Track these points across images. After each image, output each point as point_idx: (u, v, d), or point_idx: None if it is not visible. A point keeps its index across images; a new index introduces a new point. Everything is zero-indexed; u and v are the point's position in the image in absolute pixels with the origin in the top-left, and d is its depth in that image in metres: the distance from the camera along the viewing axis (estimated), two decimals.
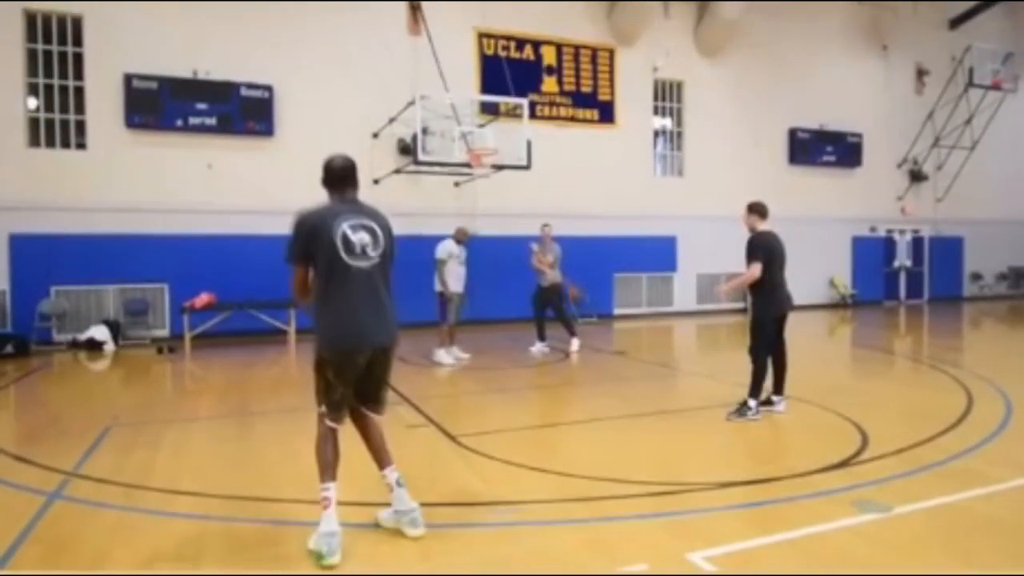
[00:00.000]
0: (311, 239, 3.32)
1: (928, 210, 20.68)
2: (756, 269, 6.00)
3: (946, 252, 21.18)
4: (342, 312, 3.34)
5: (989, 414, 6.06)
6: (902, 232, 20.54)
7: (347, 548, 3.33)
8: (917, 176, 20.30)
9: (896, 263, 20.53)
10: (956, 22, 20.66)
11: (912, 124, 20.25)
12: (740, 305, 17.92)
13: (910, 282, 20.81)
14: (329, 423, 3.43)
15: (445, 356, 9.66)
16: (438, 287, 9.61)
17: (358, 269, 3.34)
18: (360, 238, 3.34)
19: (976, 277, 21.62)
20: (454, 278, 9.63)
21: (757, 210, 6.28)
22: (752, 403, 6.07)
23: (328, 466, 3.39)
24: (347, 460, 3.57)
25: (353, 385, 3.45)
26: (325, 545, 3.19)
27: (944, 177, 20.67)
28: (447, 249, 9.61)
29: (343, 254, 3.30)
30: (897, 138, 20.08)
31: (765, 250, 6.06)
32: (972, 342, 12.87)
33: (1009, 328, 14.93)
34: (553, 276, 10.42)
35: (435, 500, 4.03)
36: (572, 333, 10.62)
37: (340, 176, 3.48)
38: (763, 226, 6.23)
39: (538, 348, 10.58)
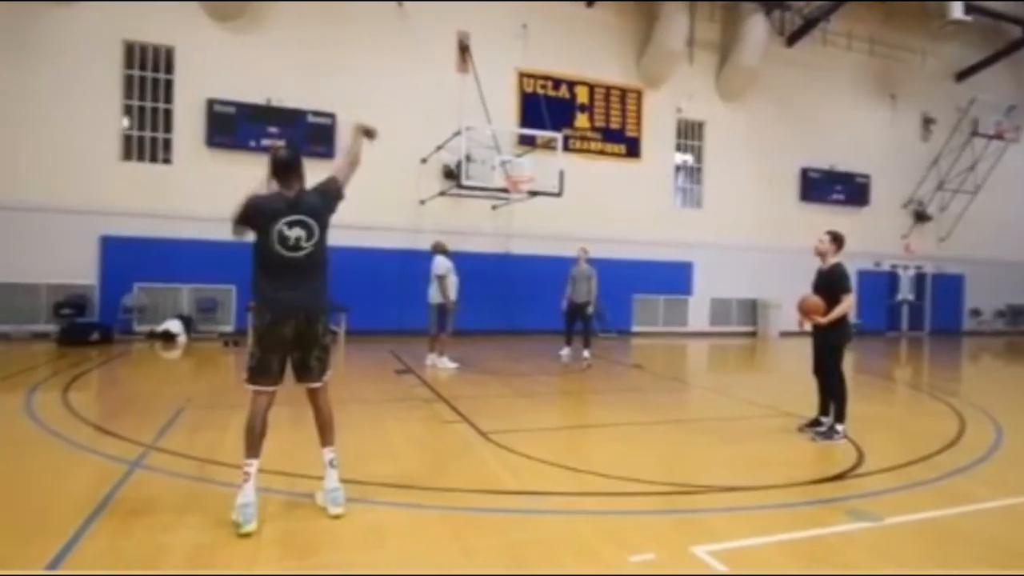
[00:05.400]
0: (257, 218, 3.50)
1: (931, 248, 20.32)
2: (851, 299, 5.73)
3: (947, 288, 20.74)
4: (270, 291, 3.51)
5: (980, 439, 5.96)
6: (905, 268, 20.18)
7: (382, 526, 3.47)
8: (921, 216, 19.98)
9: (899, 296, 20.15)
10: (962, 75, 20.39)
11: (918, 168, 19.99)
12: (750, 328, 17.78)
13: (911, 315, 20.40)
14: (248, 385, 3.58)
15: (448, 362, 9.62)
16: (438, 299, 9.51)
17: (292, 258, 3.50)
18: (294, 233, 3.49)
19: (975, 313, 21.11)
20: (454, 289, 9.68)
21: (839, 242, 5.96)
22: (840, 428, 5.73)
23: (253, 444, 3.49)
24: (383, 448, 3.66)
25: (282, 359, 3.60)
26: (241, 516, 3.30)
27: (947, 218, 20.32)
28: (446, 265, 9.60)
29: (279, 247, 3.48)
30: (903, 180, 19.82)
31: (850, 281, 5.82)
32: (968, 373, 12.56)
33: (1004, 362, 14.53)
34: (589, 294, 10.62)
35: (467, 487, 4.14)
36: (586, 345, 10.77)
37: (281, 169, 3.56)
38: (836, 258, 5.96)
39: (566, 353, 10.83)
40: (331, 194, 3.70)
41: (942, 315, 20.67)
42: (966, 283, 20.97)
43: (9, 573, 2.89)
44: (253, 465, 3.45)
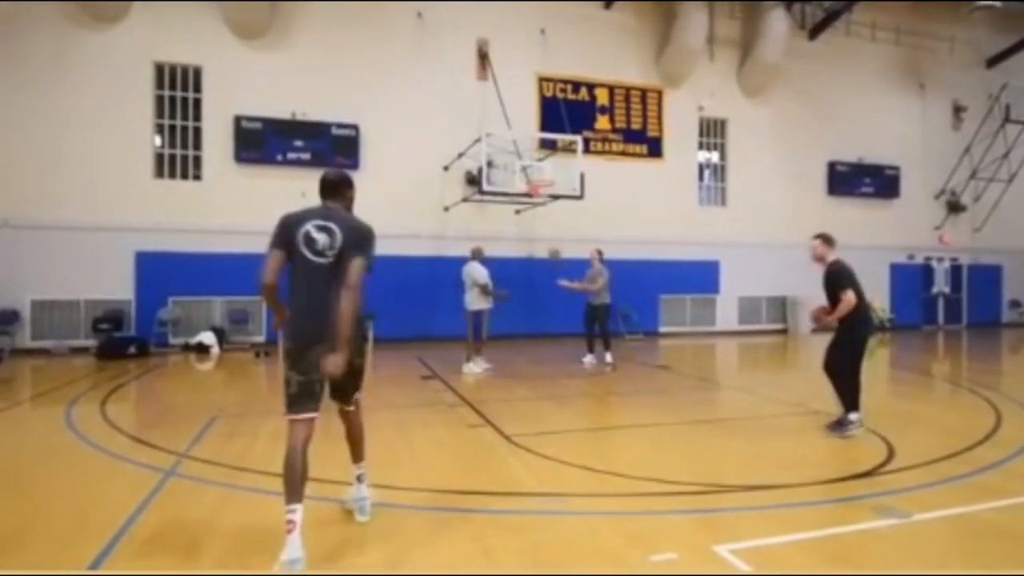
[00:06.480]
0: (285, 232, 3.43)
1: (966, 239, 19.74)
2: (852, 296, 5.72)
3: (984, 280, 20.14)
4: (298, 306, 3.38)
5: (1016, 433, 5.79)
6: (940, 260, 19.65)
7: (405, 528, 3.53)
8: (955, 207, 19.44)
9: (934, 289, 19.63)
10: (993, 61, 19.83)
11: (949, 157, 19.46)
12: (780, 326, 17.51)
13: (948, 308, 19.85)
14: (288, 416, 3.32)
15: (483, 362, 9.72)
16: (479, 305, 9.56)
17: (318, 265, 3.38)
18: (321, 238, 3.42)
19: (1015, 304, 20.44)
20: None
21: (827, 240, 6.03)
22: (854, 417, 5.74)
23: (295, 487, 3.14)
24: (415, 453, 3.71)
25: (320, 382, 3.34)
26: (291, 570, 2.96)
27: (982, 208, 19.73)
28: (485, 273, 9.62)
29: (304, 249, 3.39)
30: (934, 171, 19.32)
31: (851, 277, 5.83)
32: (1008, 367, 12.18)
33: None
34: (603, 296, 10.54)
35: (489, 489, 4.17)
36: (607, 348, 10.69)
37: (323, 188, 3.69)
38: (832, 255, 5.99)
39: (588, 360, 10.67)
40: (365, 235, 3.49)
41: (980, 307, 20.08)
42: (1004, 274, 20.34)
43: (53, 572, 3.03)
44: (297, 511, 3.08)
